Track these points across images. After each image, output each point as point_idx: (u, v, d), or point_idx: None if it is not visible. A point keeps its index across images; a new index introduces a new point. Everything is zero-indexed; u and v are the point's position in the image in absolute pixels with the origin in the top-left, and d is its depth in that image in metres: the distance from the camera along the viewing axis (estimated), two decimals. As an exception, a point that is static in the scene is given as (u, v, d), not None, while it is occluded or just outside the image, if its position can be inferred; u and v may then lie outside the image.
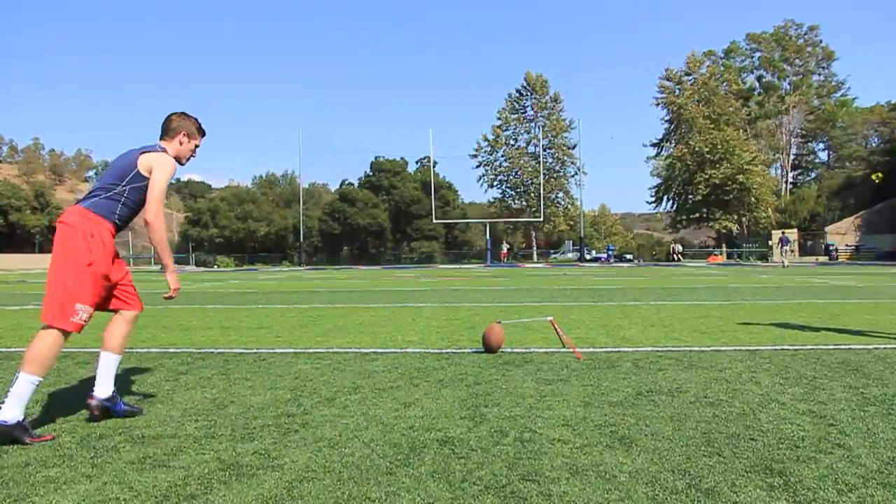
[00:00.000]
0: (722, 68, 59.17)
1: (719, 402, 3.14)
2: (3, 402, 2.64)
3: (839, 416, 2.87)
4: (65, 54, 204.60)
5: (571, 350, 4.65)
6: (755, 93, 62.40)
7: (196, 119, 3.38)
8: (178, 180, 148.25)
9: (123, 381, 3.87)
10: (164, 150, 3.16)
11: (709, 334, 5.60)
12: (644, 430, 2.67)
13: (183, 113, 3.36)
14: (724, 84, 55.70)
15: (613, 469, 2.22)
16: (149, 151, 3.08)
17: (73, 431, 2.78)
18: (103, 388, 2.97)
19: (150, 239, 3.09)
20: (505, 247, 48.47)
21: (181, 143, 3.28)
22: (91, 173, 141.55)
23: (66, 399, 3.42)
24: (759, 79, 63.00)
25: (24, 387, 2.65)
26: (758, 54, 63.56)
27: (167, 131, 3.26)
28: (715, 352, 4.66)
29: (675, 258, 43.81)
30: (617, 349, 4.83)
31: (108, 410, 2.97)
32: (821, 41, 61.53)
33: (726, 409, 3.01)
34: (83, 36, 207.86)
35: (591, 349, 4.84)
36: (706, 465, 2.24)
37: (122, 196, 2.98)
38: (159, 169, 3.04)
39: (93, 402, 2.93)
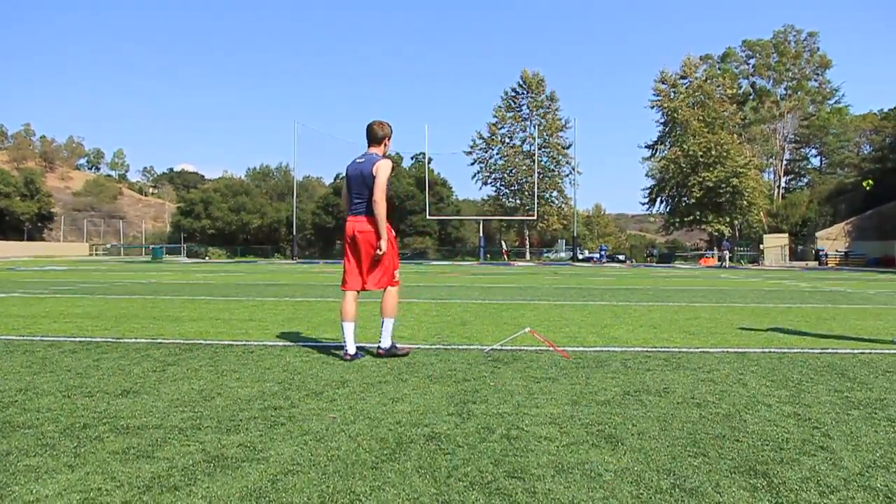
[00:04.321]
0: (719, 71, 59.51)
1: (706, 403, 3.15)
2: (380, 339, 4.37)
3: (823, 419, 2.89)
4: (59, 41, 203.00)
5: (557, 351, 4.67)
6: (750, 98, 62.83)
7: (390, 125, 4.55)
8: (170, 170, 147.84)
9: (110, 370, 3.85)
10: (379, 155, 4.41)
11: (697, 336, 5.62)
12: (630, 430, 2.68)
13: (380, 121, 4.50)
14: (720, 88, 55.99)
15: (599, 467, 2.22)
16: (376, 161, 4.32)
17: (57, 420, 2.76)
18: (385, 341, 4.38)
19: (376, 212, 4.21)
20: (504, 245, 48.56)
21: (386, 145, 4.52)
22: (83, 161, 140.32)
23: (50, 388, 3.39)
24: (752, 85, 63.39)
25: (390, 325, 4.40)
26: (753, 60, 64.02)
27: (375, 139, 4.46)
28: (703, 353, 4.68)
29: (649, 261, 44.88)
30: (606, 348, 4.84)
31: (389, 354, 4.36)
32: (818, 48, 62.04)
33: (713, 410, 3.02)
34: (77, 23, 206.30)
35: (581, 348, 4.85)
36: (691, 465, 2.25)
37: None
38: (383, 171, 4.28)
39: (380, 351, 4.38)
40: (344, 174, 4.59)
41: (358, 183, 4.30)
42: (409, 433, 2.60)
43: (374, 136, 4.44)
